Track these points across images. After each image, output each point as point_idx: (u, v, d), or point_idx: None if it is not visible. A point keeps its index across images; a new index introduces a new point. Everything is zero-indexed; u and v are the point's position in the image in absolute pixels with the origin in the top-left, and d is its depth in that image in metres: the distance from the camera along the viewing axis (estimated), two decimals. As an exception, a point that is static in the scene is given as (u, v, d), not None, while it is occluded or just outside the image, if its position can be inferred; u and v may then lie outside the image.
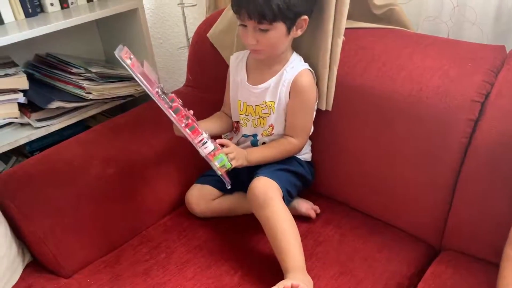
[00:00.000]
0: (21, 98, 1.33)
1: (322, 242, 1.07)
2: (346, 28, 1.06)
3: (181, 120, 0.94)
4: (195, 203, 1.15)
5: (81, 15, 1.39)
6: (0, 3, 1.32)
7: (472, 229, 0.99)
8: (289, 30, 0.99)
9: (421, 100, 0.99)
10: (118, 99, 1.52)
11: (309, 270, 0.96)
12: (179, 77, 2.03)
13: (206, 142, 0.95)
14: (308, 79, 1.06)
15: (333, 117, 1.13)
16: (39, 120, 1.37)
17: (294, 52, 1.10)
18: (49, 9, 1.42)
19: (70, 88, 1.42)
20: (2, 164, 1.47)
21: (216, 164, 0.95)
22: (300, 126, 1.09)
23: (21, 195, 1.04)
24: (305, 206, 1.13)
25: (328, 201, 1.19)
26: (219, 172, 0.96)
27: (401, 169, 1.05)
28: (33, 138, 1.36)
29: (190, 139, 0.94)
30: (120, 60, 0.90)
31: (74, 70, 1.42)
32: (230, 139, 1.17)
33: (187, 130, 0.94)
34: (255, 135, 1.13)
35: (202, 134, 0.95)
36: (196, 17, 1.88)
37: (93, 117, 1.55)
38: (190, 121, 0.95)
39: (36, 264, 1.06)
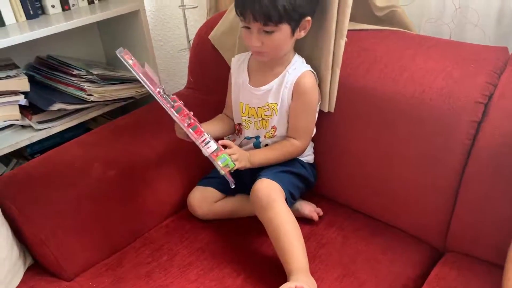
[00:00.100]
0: (22, 100, 1.33)
1: (325, 244, 1.06)
2: (348, 30, 1.06)
3: (183, 119, 0.94)
4: (197, 205, 1.15)
5: (82, 17, 1.39)
6: (1, 5, 1.31)
7: (475, 230, 0.99)
8: (293, 31, 0.99)
9: (424, 101, 0.99)
10: (119, 101, 1.52)
11: (313, 272, 0.96)
12: (180, 79, 2.03)
13: (209, 142, 0.95)
14: (310, 81, 1.06)
15: (336, 119, 1.12)
16: (40, 122, 1.36)
17: (296, 54, 1.09)
18: (50, 11, 1.42)
19: (71, 90, 1.42)
20: (3, 166, 1.46)
21: (219, 164, 0.95)
22: (302, 127, 1.09)
23: (22, 197, 1.04)
24: (308, 208, 1.13)
25: (330, 203, 1.18)
26: (222, 172, 0.95)
27: (404, 170, 1.05)
28: (34, 140, 1.35)
29: (193, 138, 0.94)
30: (122, 60, 0.90)
31: (75, 72, 1.42)
32: (233, 141, 1.16)
33: (190, 129, 0.93)
34: (257, 137, 1.13)
35: (204, 134, 0.95)
36: (197, 19, 1.88)
37: (93, 119, 1.54)
38: (192, 121, 0.95)
39: (37, 267, 1.05)
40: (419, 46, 1.08)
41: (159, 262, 1.05)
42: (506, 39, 1.12)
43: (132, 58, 0.94)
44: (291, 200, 1.06)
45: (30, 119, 1.35)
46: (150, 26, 1.68)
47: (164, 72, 2.04)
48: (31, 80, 1.40)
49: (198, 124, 0.95)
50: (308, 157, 1.16)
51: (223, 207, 1.16)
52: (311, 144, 1.16)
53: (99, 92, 1.43)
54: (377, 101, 1.05)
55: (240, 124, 1.16)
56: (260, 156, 1.07)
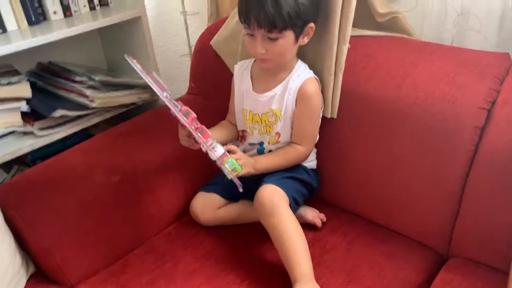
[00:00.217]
0: (24, 106, 1.32)
1: (329, 250, 1.06)
2: (350, 36, 1.07)
3: (191, 123, 0.94)
4: (200, 211, 1.15)
5: (84, 24, 1.38)
6: (3, 11, 1.31)
7: (480, 236, 0.99)
8: (297, 38, 0.99)
9: (427, 107, 0.99)
10: (121, 107, 1.52)
11: (317, 279, 0.96)
12: (180, 85, 2.03)
13: (216, 146, 0.95)
14: (314, 87, 1.06)
15: (338, 124, 1.13)
16: (42, 129, 1.36)
17: (299, 60, 1.10)
18: (52, 17, 1.42)
19: (73, 96, 1.41)
20: (3, 173, 1.45)
21: (227, 167, 0.94)
22: (306, 133, 1.09)
23: (25, 204, 1.04)
24: (311, 214, 1.13)
25: (333, 208, 1.18)
26: (230, 176, 0.95)
27: (407, 176, 1.05)
28: (36, 147, 1.35)
29: (201, 142, 0.94)
30: (132, 64, 0.90)
31: (77, 78, 1.42)
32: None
33: (198, 133, 0.93)
34: (261, 143, 1.13)
35: (210, 138, 0.95)
36: (197, 25, 1.88)
37: (95, 125, 1.54)
38: (199, 125, 0.95)
39: (39, 274, 1.04)
40: (421, 52, 1.08)
41: (162, 269, 1.04)
42: (507, 45, 1.12)
43: (138, 65, 0.94)
44: (294, 206, 1.06)
45: (32, 126, 1.35)
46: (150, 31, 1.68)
47: (164, 77, 2.03)
48: (33, 86, 1.39)
49: (205, 128, 0.95)
50: (311, 162, 1.16)
51: (226, 213, 1.15)
52: (314, 150, 1.16)
53: (101, 98, 1.42)
54: (379, 107, 1.06)
55: (243, 131, 1.16)
56: (265, 162, 1.07)
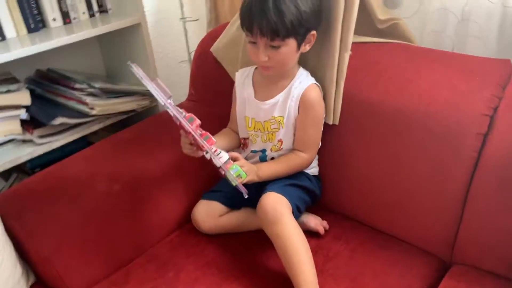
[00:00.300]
0: (23, 114, 1.31)
1: (332, 257, 1.06)
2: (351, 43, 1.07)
3: (195, 130, 0.93)
4: (202, 220, 1.14)
5: (83, 31, 1.37)
6: (2, 19, 1.30)
7: (483, 243, 0.99)
8: (299, 45, 0.99)
9: (430, 114, 0.99)
10: (120, 114, 1.51)
11: (321, 286, 0.95)
12: (178, 91, 2.01)
13: (220, 152, 0.95)
14: (316, 94, 1.06)
15: (340, 131, 1.13)
16: (41, 137, 1.35)
17: (301, 67, 1.10)
18: (52, 24, 1.41)
19: (72, 104, 1.40)
20: (2, 181, 1.44)
21: (232, 174, 0.94)
22: (309, 140, 1.09)
23: (25, 213, 1.03)
24: (314, 221, 1.12)
25: (335, 215, 1.18)
26: (235, 182, 0.94)
27: (410, 183, 1.05)
28: (35, 155, 1.33)
29: (206, 148, 0.93)
30: (135, 71, 0.89)
31: (77, 85, 1.41)
32: (238, 154, 1.16)
33: (202, 139, 0.93)
34: (263, 151, 1.13)
35: (215, 144, 0.95)
36: (195, 31, 1.88)
37: (94, 132, 1.53)
38: (203, 131, 0.94)
39: (40, 284, 1.04)
40: (423, 58, 1.09)
41: (165, 279, 1.03)
42: (508, 52, 1.13)
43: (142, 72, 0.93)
44: (297, 213, 1.05)
45: (31, 134, 1.34)
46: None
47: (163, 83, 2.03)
48: (32, 93, 1.38)
49: (210, 135, 0.95)
50: (313, 169, 1.16)
51: (228, 221, 1.15)
52: (316, 156, 1.16)
53: (101, 106, 1.41)
54: (382, 114, 1.06)
55: (245, 138, 1.16)
56: (268, 170, 1.06)
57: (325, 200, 1.20)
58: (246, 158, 1.15)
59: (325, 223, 1.13)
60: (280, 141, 1.10)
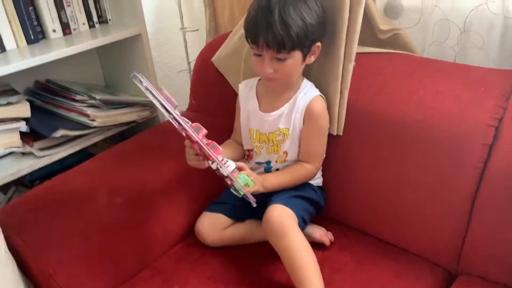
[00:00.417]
0: (23, 126, 1.30)
1: (338, 269, 1.05)
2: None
3: (202, 139, 0.92)
4: (207, 233, 1.13)
5: (83, 42, 1.36)
6: (2, 31, 1.29)
7: (489, 253, 0.99)
8: (304, 57, 0.99)
9: (434, 125, 0.99)
10: (121, 125, 1.50)
11: (329, 299, 0.95)
12: (178, 100, 2.01)
13: (228, 161, 0.94)
14: (321, 106, 1.07)
15: (344, 142, 1.13)
16: (42, 149, 1.33)
17: (305, 78, 1.10)
18: (51, 35, 1.40)
19: (73, 116, 1.39)
20: (1, 194, 1.42)
21: (240, 182, 0.93)
22: (314, 151, 1.09)
23: (27, 229, 1.02)
24: (319, 233, 1.12)
25: (340, 226, 1.17)
26: (243, 191, 0.93)
27: (415, 194, 1.05)
28: (36, 167, 1.32)
29: (213, 157, 0.92)
30: (141, 79, 0.87)
31: (78, 97, 1.40)
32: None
33: (209, 148, 0.92)
34: (268, 162, 1.12)
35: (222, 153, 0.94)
36: (194, 40, 1.88)
37: (94, 144, 1.52)
38: (209, 141, 0.93)
39: (42, 301, 1.02)
40: (426, 69, 1.09)
41: (170, 293, 1.02)
42: (510, 62, 1.14)
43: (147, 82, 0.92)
44: (302, 225, 1.05)
45: (31, 146, 1.32)
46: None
47: (162, 93, 2.03)
48: (31, 105, 1.37)
49: (216, 144, 0.94)
50: (317, 180, 1.16)
51: (233, 234, 1.14)
52: (320, 167, 1.16)
53: (102, 117, 1.40)
54: (386, 125, 1.06)
55: (249, 150, 1.15)
56: (273, 180, 1.06)
57: (330, 210, 1.19)
58: (251, 170, 1.15)
59: (330, 234, 1.13)
60: (285, 152, 1.10)
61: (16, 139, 1.30)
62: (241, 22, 1.32)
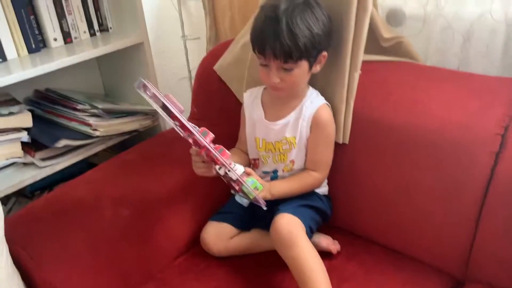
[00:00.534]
0: (24, 137, 1.28)
1: (347, 279, 1.04)
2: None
3: (209, 143, 0.92)
4: (213, 242, 1.12)
5: (85, 51, 1.35)
6: (3, 40, 1.28)
7: (497, 260, 0.99)
8: (311, 66, 0.99)
9: (441, 133, 1.00)
10: (123, 134, 1.49)
11: (339, 309, 0.94)
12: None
13: (236, 165, 0.93)
14: (328, 114, 1.07)
15: (350, 150, 1.12)
16: (43, 159, 1.31)
17: (310, 87, 1.10)
18: (53, 44, 1.39)
19: (74, 125, 1.38)
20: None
21: (249, 185, 0.92)
22: (322, 159, 1.08)
23: (32, 241, 1.00)
24: (326, 242, 1.11)
25: (347, 235, 1.17)
26: (252, 194, 0.93)
27: (422, 202, 1.05)
28: (38, 178, 1.30)
29: (222, 161, 0.91)
30: (149, 86, 0.86)
31: (80, 106, 1.38)
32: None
33: (217, 152, 0.91)
34: (275, 171, 1.12)
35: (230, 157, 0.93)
36: (195, 49, 1.88)
37: (95, 153, 1.50)
38: (217, 145, 0.92)
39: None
40: (432, 77, 1.09)
41: (177, 305, 1.01)
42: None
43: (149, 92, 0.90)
44: (310, 234, 1.04)
45: (33, 156, 1.30)
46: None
47: (161, 101, 2.02)
48: (31, 115, 1.35)
49: (224, 148, 0.93)
50: (323, 188, 1.15)
51: (239, 244, 1.13)
52: (325, 176, 1.16)
53: (104, 127, 1.39)
54: (392, 133, 1.06)
55: (255, 159, 1.15)
56: (281, 188, 1.05)
57: (336, 219, 1.19)
58: (257, 179, 1.14)
59: (337, 243, 1.12)
60: (292, 161, 1.09)
61: (17, 149, 1.28)
62: (244, 30, 1.32)
